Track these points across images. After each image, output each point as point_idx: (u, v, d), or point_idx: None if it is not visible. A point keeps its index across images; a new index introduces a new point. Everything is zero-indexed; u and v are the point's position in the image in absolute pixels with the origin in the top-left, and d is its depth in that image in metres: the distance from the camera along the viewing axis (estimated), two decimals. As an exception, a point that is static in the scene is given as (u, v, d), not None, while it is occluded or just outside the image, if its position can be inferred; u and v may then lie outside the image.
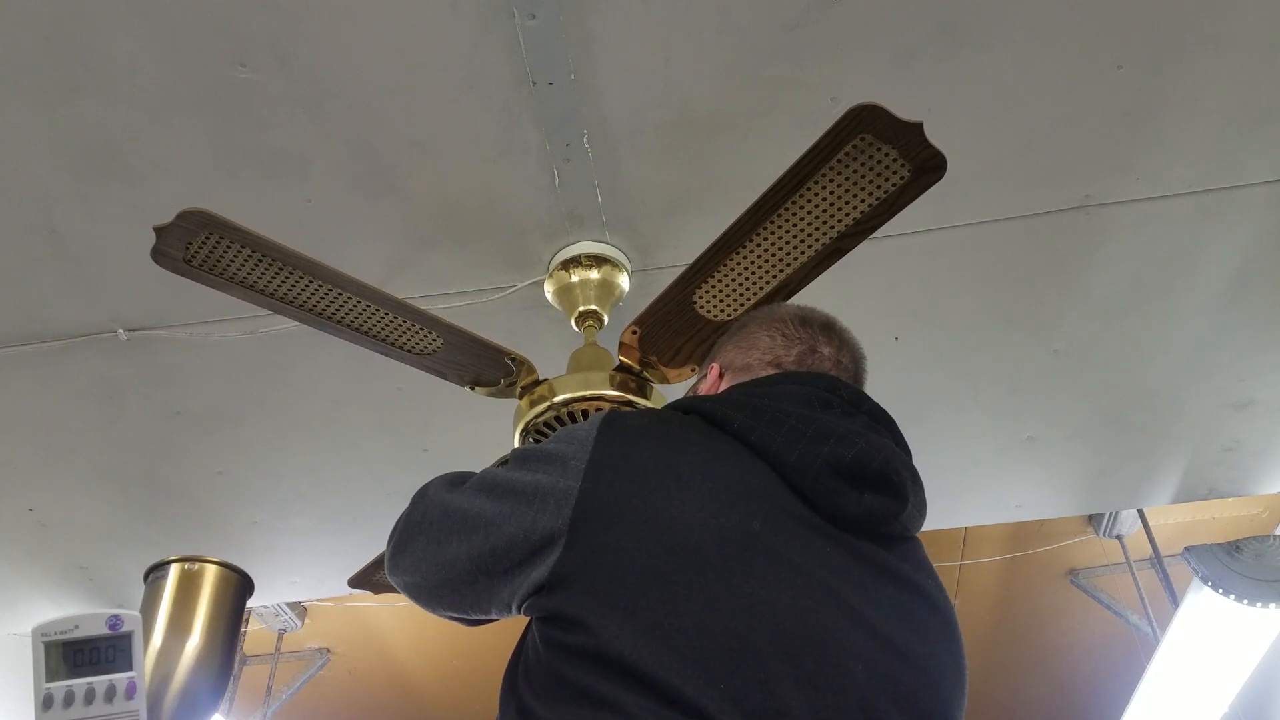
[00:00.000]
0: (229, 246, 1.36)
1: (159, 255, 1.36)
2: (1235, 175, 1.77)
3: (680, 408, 0.99)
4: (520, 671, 0.85)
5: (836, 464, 0.88)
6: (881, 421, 0.99)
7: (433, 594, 0.97)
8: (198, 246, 1.36)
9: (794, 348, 1.07)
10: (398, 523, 1.03)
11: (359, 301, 1.47)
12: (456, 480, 1.00)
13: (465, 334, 1.55)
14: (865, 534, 0.89)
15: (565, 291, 1.83)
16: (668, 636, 0.76)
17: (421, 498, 1.02)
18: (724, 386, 1.10)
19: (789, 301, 1.45)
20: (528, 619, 0.89)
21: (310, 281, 1.43)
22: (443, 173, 1.68)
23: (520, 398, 1.64)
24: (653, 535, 0.81)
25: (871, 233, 1.35)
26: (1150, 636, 3.84)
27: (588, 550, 0.81)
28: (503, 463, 1.01)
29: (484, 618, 0.96)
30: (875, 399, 1.02)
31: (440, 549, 0.93)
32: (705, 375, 1.15)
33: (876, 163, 1.25)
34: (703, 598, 0.78)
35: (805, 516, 0.86)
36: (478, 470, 1.01)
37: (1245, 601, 2.78)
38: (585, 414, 1.59)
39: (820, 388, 0.99)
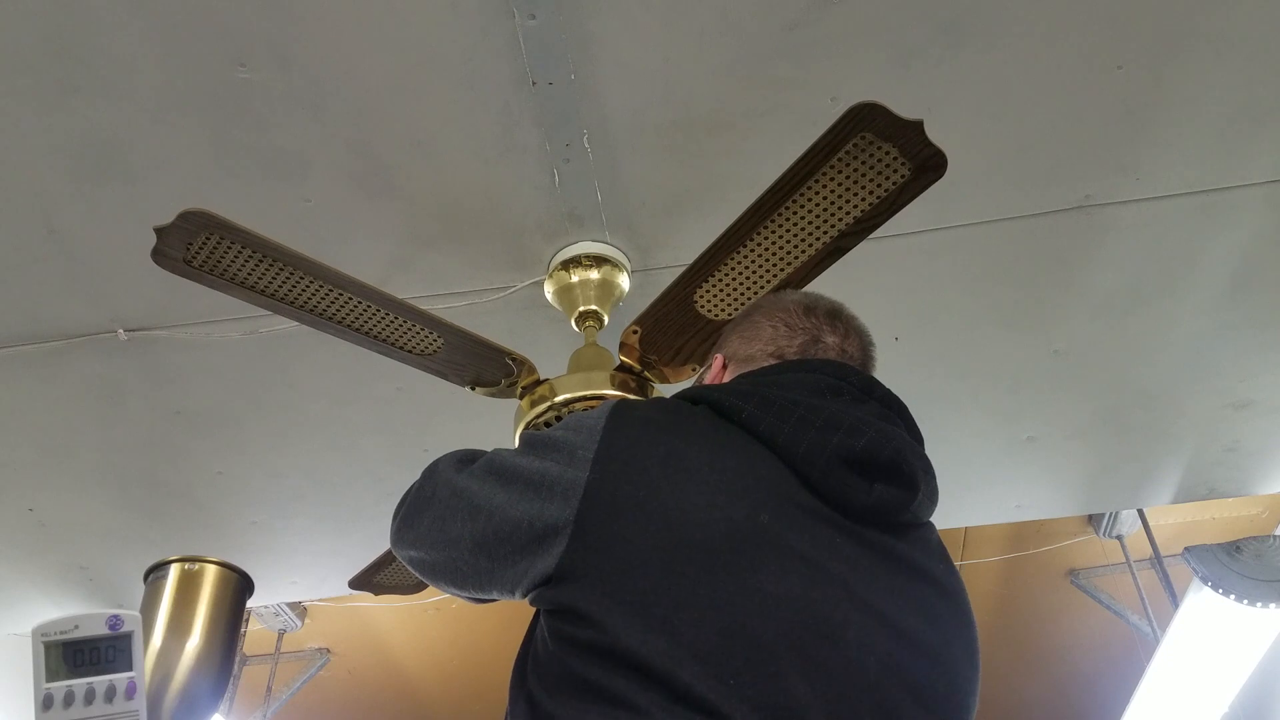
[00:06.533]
0: (229, 247, 1.36)
1: (159, 255, 1.36)
2: (1235, 175, 1.77)
3: (689, 398, 0.98)
4: (529, 664, 0.84)
5: (846, 454, 0.87)
6: (892, 408, 0.98)
7: (435, 570, 0.98)
8: (198, 247, 1.36)
9: (797, 338, 1.06)
10: (406, 494, 1.04)
11: (359, 301, 1.47)
12: (466, 458, 1.01)
13: (465, 334, 1.55)
14: (875, 523, 0.88)
15: (565, 291, 1.82)
16: (676, 631, 0.75)
17: (432, 473, 1.02)
18: (728, 377, 1.09)
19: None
20: (534, 610, 0.88)
21: (310, 281, 1.43)
22: (443, 173, 1.68)
23: (521, 398, 1.64)
24: (660, 528, 0.80)
25: (871, 232, 1.35)
26: (1150, 636, 3.84)
27: (595, 543, 0.81)
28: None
29: (486, 598, 0.96)
30: None
31: (445, 527, 0.94)
32: (710, 365, 1.14)
33: (877, 161, 1.25)
34: (711, 591, 0.77)
35: (814, 507, 0.86)
36: (487, 449, 1.01)
37: (1245, 601, 2.78)
38: (585, 414, 1.58)
39: (830, 374, 0.98)
